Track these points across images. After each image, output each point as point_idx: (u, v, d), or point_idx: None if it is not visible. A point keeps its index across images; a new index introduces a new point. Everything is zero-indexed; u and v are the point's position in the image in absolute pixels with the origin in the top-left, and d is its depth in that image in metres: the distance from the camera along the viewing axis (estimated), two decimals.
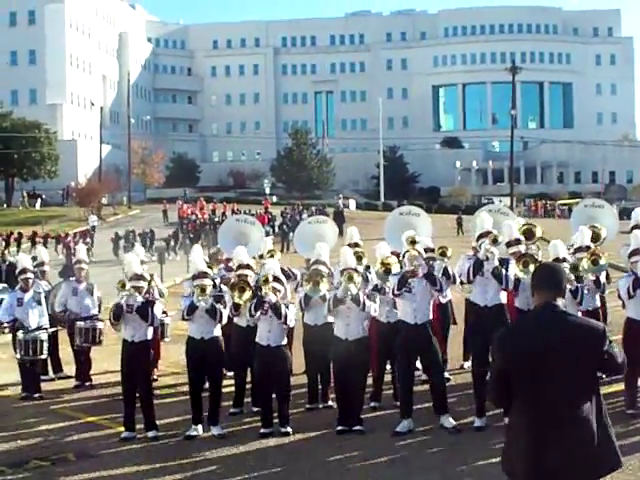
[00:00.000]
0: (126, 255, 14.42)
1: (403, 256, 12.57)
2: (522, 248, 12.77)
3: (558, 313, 5.98)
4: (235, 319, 13.38)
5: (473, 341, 12.52)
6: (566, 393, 5.78)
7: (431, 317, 12.39)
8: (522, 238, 13.07)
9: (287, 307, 12.18)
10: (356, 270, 12.34)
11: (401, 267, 13.09)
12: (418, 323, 12.03)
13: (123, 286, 12.41)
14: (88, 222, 62.08)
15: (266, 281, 11.96)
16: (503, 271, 12.08)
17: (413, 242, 12.16)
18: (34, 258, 17.73)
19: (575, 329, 5.89)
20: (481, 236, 12.84)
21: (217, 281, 14.94)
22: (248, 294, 12.43)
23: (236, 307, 12.77)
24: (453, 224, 56.00)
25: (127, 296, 12.38)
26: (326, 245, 14.27)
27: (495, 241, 12.18)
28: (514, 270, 12.25)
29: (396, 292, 11.99)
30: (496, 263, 12.11)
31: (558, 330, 5.86)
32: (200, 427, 12.30)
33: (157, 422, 12.48)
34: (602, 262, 13.23)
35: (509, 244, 12.88)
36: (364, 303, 12.05)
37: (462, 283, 14.38)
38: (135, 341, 12.42)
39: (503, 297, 12.34)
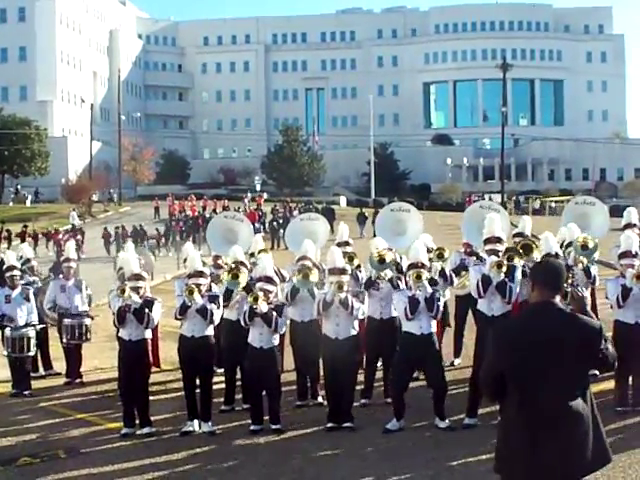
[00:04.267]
0: (123, 255, 14.37)
1: (404, 272, 12.59)
2: (500, 247, 12.67)
3: (556, 311, 5.98)
4: (225, 313, 13.39)
5: (478, 348, 12.43)
6: (561, 390, 5.79)
7: (434, 330, 12.36)
8: (503, 237, 12.97)
9: (281, 311, 12.19)
10: (344, 271, 12.32)
11: (393, 261, 13.18)
12: (424, 333, 12.01)
13: (123, 292, 12.35)
14: (69, 220, 61.71)
15: (255, 299, 11.92)
16: (508, 284, 11.97)
17: (419, 277, 12.05)
18: (20, 256, 17.70)
19: (572, 328, 5.89)
20: (488, 240, 12.72)
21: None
22: (244, 278, 12.59)
23: (227, 296, 12.81)
24: (443, 221, 55.72)
25: (124, 299, 12.35)
26: (313, 243, 14.30)
27: (500, 267, 12.03)
28: (519, 278, 12.17)
29: (410, 317, 11.95)
30: (499, 279, 12.02)
31: (555, 328, 5.86)
32: (196, 423, 12.32)
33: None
34: (591, 245, 13.28)
35: (488, 241, 12.78)
36: (352, 307, 12.05)
37: (457, 276, 14.42)
38: (132, 340, 12.42)
39: (509, 305, 12.25)
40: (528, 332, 5.94)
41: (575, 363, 5.82)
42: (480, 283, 12.09)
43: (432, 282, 12.49)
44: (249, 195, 78.65)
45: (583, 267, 13.56)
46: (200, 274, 12.48)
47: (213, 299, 12.48)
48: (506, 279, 11.94)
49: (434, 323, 12.28)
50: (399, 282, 13.12)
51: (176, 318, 12.51)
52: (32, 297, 15.74)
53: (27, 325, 15.29)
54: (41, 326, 15.99)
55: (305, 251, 13.75)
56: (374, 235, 15.92)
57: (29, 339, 15.13)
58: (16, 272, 15.67)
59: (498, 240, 12.70)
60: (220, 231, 16.90)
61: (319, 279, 13.06)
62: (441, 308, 12.26)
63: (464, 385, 12.91)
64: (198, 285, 12.28)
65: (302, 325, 13.36)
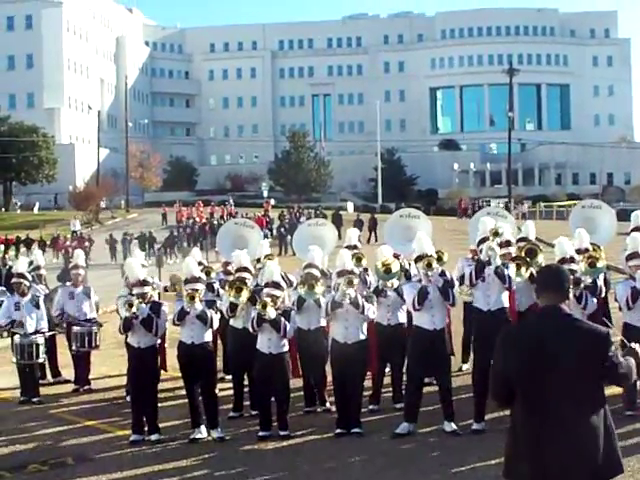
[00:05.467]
0: (127, 261, 14.40)
1: (415, 262, 12.58)
2: (512, 250, 12.70)
3: (562, 316, 5.97)
4: (231, 321, 13.38)
5: (476, 346, 12.48)
6: (569, 396, 5.77)
7: (446, 322, 12.41)
8: (513, 240, 12.99)
9: (288, 316, 12.19)
10: (353, 273, 12.33)
11: (401, 268, 13.17)
12: (437, 329, 12.03)
13: (131, 306, 12.31)
14: (70, 227, 61.69)
15: (264, 307, 11.91)
16: (506, 272, 12.05)
17: (430, 265, 12.05)
18: (30, 262, 17.71)
19: (579, 333, 5.89)
20: (483, 240, 12.75)
21: (216, 285, 15.00)
22: (245, 295, 12.46)
23: (232, 308, 12.80)
24: (451, 226, 55.20)
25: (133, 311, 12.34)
26: (320, 249, 14.27)
27: (496, 234, 12.12)
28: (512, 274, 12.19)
29: (417, 307, 11.96)
30: (498, 263, 12.08)
31: (562, 333, 5.85)
32: (204, 428, 12.30)
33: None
34: (599, 265, 13.18)
35: (483, 241, 12.79)
36: (363, 306, 12.05)
37: (460, 284, 14.38)
38: (142, 347, 12.44)
39: (505, 300, 12.28)
40: (533, 337, 5.94)
41: (582, 368, 5.79)
42: (473, 271, 12.15)
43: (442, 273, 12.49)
44: (231, 201, 78.46)
45: (591, 280, 13.51)
46: (197, 280, 12.47)
47: (211, 304, 12.50)
48: (504, 265, 12.06)
49: (446, 318, 12.29)
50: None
51: (174, 324, 12.50)
52: (42, 304, 15.73)
53: (36, 332, 15.29)
54: (50, 333, 15.99)
55: (312, 258, 13.70)
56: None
57: (38, 346, 15.14)
58: (22, 280, 15.64)
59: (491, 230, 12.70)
60: (230, 237, 16.91)
61: (325, 287, 13.04)
62: (457, 295, 12.30)
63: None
64: (196, 290, 12.29)
65: (309, 333, 13.34)
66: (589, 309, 12.48)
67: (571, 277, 12.14)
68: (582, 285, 12.58)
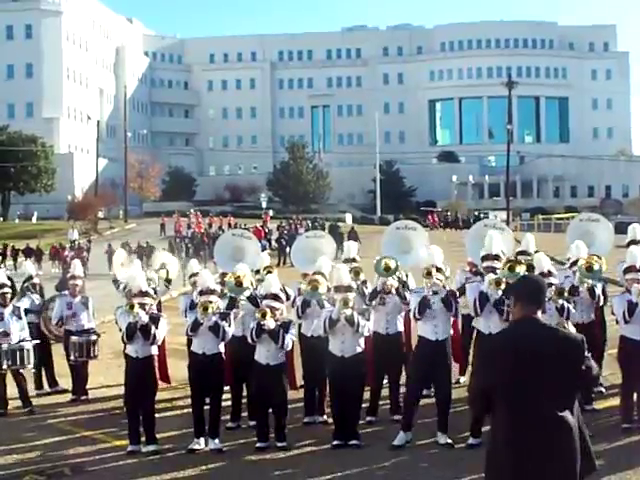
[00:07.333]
0: (129, 271, 14.36)
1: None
2: (497, 265, 12.71)
3: (538, 326, 6.09)
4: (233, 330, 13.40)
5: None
6: (548, 404, 5.87)
7: (451, 332, 12.44)
8: (501, 255, 13.00)
9: (287, 328, 12.21)
10: (350, 288, 12.34)
11: (399, 280, 13.20)
12: (439, 339, 12.06)
13: (132, 307, 12.34)
14: (68, 237, 61.56)
15: (264, 315, 11.96)
16: (506, 302, 12.05)
17: (429, 273, 12.10)
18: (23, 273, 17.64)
19: (554, 341, 6.01)
20: (485, 257, 12.79)
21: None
22: (246, 282, 12.76)
23: (230, 305, 12.83)
24: (449, 238, 54.74)
25: (134, 315, 12.35)
26: (328, 260, 14.26)
27: (499, 284, 12.12)
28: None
29: (417, 316, 12.01)
30: (499, 295, 12.14)
31: (538, 343, 5.96)
32: (202, 440, 12.28)
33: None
34: (596, 267, 13.30)
35: (486, 257, 12.85)
36: (358, 324, 12.06)
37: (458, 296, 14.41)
38: (139, 357, 12.42)
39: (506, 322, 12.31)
40: (511, 348, 6.03)
41: (559, 376, 5.91)
42: (477, 301, 12.20)
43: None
44: (192, 211, 78.24)
45: (588, 287, 13.59)
46: (212, 292, 12.51)
47: (224, 316, 12.50)
48: (504, 297, 11.99)
49: (450, 329, 12.30)
50: (406, 294, 13.12)
51: (187, 334, 12.56)
52: (23, 315, 15.49)
53: (21, 341, 15.15)
54: (35, 342, 15.75)
55: (319, 267, 13.70)
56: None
57: (27, 351, 14.95)
58: (6, 289, 15.42)
59: (496, 257, 12.76)
60: (228, 249, 16.86)
61: (327, 293, 13.01)
62: (459, 308, 12.30)
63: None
64: (210, 302, 12.31)
65: (314, 340, 13.32)
66: (572, 318, 12.54)
67: (553, 288, 12.41)
68: (565, 295, 12.68)
